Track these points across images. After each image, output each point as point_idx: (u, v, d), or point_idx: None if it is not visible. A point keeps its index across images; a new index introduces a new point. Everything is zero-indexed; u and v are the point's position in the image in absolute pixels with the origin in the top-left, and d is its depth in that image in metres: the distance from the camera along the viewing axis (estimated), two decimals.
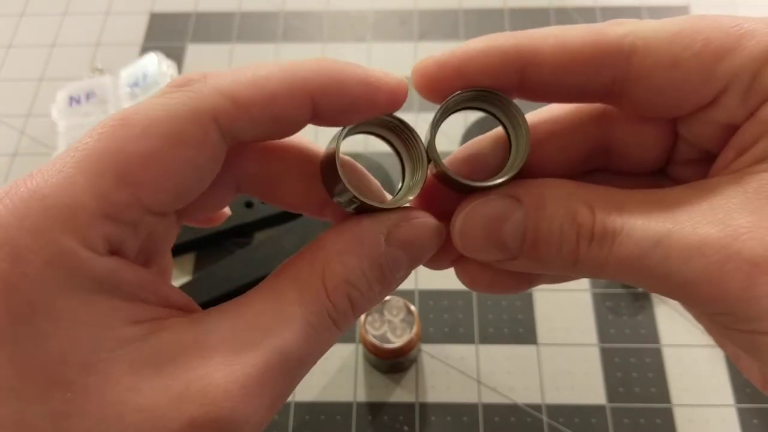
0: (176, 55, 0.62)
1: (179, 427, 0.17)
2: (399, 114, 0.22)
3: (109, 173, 0.18)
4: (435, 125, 0.21)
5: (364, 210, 0.21)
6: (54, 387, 0.17)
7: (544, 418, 0.43)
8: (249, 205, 0.51)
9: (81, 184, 0.18)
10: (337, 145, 0.21)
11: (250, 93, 0.20)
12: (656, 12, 0.63)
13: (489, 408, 0.43)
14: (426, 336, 0.46)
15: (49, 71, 0.62)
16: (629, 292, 0.48)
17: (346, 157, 0.23)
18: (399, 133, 0.22)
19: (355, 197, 0.21)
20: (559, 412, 0.43)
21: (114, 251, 0.19)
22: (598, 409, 0.43)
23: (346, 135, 0.21)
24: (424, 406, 0.44)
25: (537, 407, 0.43)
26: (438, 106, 0.21)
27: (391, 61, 0.61)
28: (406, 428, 0.43)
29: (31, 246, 0.17)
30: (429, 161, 0.22)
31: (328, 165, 0.21)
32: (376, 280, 0.21)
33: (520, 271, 0.22)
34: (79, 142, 0.19)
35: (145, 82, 0.57)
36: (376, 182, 0.24)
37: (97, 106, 0.57)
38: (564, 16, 0.63)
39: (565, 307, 0.47)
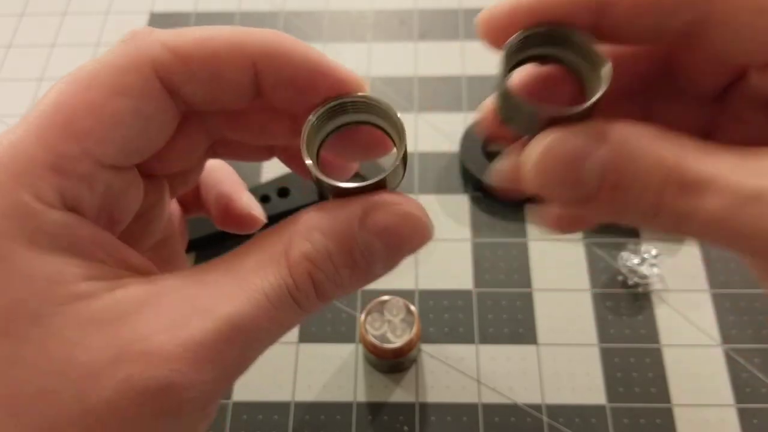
0: None
1: (115, 383, 0.17)
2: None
3: (55, 126, 0.19)
4: (505, 69, 0.20)
5: (339, 194, 0.20)
6: None
7: (544, 418, 0.43)
8: None
9: (31, 139, 0.18)
10: (302, 130, 0.20)
11: (192, 47, 0.20)
12: None
13: (489, 408, 0.43)
14: (426, 336, 0.46)
15: (49, 71, 0.62)
16: (629, 292, 0.48)
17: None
18: (375, 113, 0.21)
19: (318, 180, 0.20)
20: (559, 412, 0.43)
21: (70, 207, 0.19)
22: (598, 409, 0.43)
23: (315, 122, 0.21)
24: (424, 406, 0.44)
25: (537, 407, 0.43)
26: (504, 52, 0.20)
27: (391, 61, 0.61)
28: (406, 428, 0.43)
29: None
30: (403, 137, 0.20)
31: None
32: (343, 264, 0.20)
33: (592, 218, 0.21)
34: (37, 103, 0.19)
35: None
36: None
37: None
38: None
39: (565, 307, 0.47)
